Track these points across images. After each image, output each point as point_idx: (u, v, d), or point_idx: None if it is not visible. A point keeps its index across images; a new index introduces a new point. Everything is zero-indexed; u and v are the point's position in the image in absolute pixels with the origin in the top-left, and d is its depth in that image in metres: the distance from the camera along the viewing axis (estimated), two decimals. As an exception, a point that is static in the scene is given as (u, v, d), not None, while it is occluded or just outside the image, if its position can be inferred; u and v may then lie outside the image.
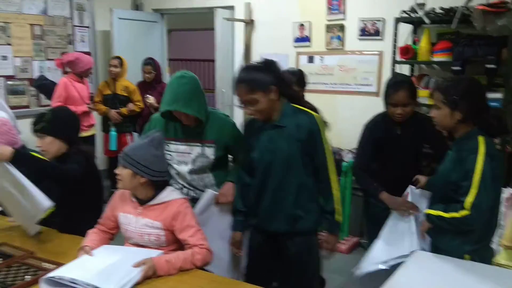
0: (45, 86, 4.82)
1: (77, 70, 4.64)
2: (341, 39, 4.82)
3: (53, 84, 4.72)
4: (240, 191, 2.36)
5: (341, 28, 4.80)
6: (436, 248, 2.12)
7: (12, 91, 5.03)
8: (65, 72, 4.79)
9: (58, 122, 2.40)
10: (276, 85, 2.12)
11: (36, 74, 5.14)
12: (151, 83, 5.09)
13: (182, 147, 2.45)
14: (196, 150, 2.43)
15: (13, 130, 2.61)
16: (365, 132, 2.82)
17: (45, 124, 2.37)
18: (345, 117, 4.70)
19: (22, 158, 2.18)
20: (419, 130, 2.67)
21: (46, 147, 2.39)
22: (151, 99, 4.82)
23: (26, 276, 1.88)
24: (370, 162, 2.75)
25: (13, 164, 2.16)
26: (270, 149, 2.18)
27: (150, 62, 5.09)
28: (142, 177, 2.04)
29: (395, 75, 3.32)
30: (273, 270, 2.34)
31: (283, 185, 2.18)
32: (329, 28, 4.87)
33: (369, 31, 4.65)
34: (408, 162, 2.75)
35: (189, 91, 2.32)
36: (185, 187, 2.49)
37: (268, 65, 2.17)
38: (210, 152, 2.43)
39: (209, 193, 2.42)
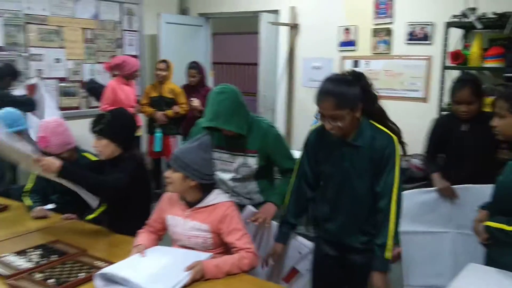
0: (94, 89, 4.99)
1: (124, 72, 4.76)
2: (388, 43, 4.74)
3: (102, 87, 4.87)
4: (295, 203, 2.26)
5: (388, 32, 4.72)
6: (493, 261, 2.04)
7: (64, 93, 5.24)
8: (113, 75, 4.93)
9: (116, 127, 2.44)
10: (362, 102, 1.96)
11: (86, 77, 5.33)
12: (196, 86, 5.15)
13: (225, 156, 2.48)
14: (238, 159, 2.46)
15: (68, 131, 2.71)
16: (431, 125, 3.09)
17: (103, 127, 2.43)
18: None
19: (68, 173, 2.26)
20: (487, 127, 2.65)
21: (101, 148, 2.46)
22: (196, 102, 4.89)
23: (79, 274, 1.95)
24: (435, 153, 3.06)
25: (58, 177, 2.25)
26: (343, 167, 2.05)
27: (194, 66, 5.17)
28: (192, 180, 2.07)
29: (464, 73, 3.40)
30: (341, 282, 2.27)
31: (357, 204, 2.06)
32: (375, 32, 4.81)
33: (418, 36, 4.56)
34: (477, 161, 2.78)
35: (229, 107, 2.31)
36: (227, 193, 2.50)
37: (358, 78, 1.99)
38: (252, 161, 2.45)
39: (248, 210, 2.43)
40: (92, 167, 2.62)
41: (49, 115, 4.42)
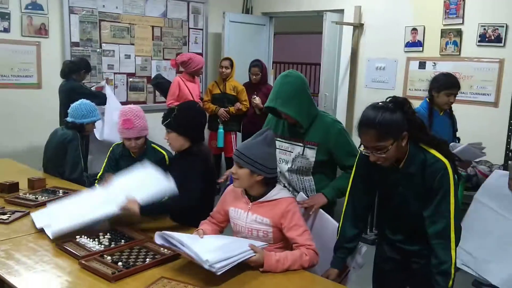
0: (161, 85, 5.17)
1: (190, 69, 4.91)
2: (457, 45, 4.57)
3: (168, 82, 5.05)
4: (350, 227, 2.16)
5: (458, 33, 4.55)
6: None
7: (132, 87, 5.47)
8: (179, 72, 5.09)
9: (183, 121, 2.52)
10: (408, 131, 1.87)
11: (153, 73, 5.54)
12: (257, 84, 5.22)
13: (285, 145, 2.52)
14: (297, 149, 2.47)
15: (145, 117, 2.86)
16: None
17: (171, 121, 2.52)
18: (458, 127, 4.46)
19: (147, 211, 2.37)
20: None
21: (171, 141, 2.56)
22: (257, 100, 4.94)
23: (146, 259, 2.04)
24: None
25: (140, 215, 2.36)
26: (399, 191, 2.00)
27: (257, 64, 5.23)
28: (258, 175, 2.10)
29: None
30: (402, 284, 2.24)
31: (417, 222, 1.98)
32: (444, 33, 4.65)
33: (490, 37, 4.36)
34: None
35: (290, 91, 2.35)
36: (284, 186, 2.52)
37: (401, 107, 1.87)
38: (311, 153, 2.44)
39: (299, 196, 2.44)
40: (162, 162, 2.75)
41: (112, 114, 4.66)
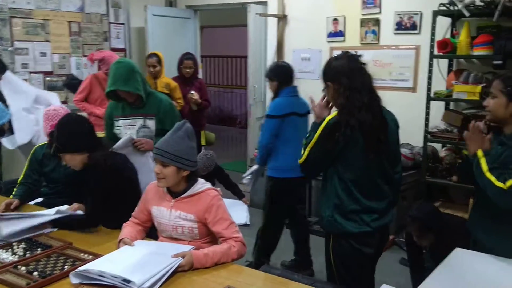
0: (73, 85, 4.78)
1: (105, 70, 4.28)
2: (376, 34, 4.73)
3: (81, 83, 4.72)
4: None
5: (376, 22, 4.71)
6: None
7: (51, 87, 5.16)
8: (99, 68, 4.76)
9: (65, 140, 2.38)
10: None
11: (73, 71, 5.26)
12: (190, 78, 4.82)
13: (127, 121, 2.90)
14: (139, 122, 2.89)
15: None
16: None
17: (57, 145, 2.40)
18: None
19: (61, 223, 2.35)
20: None
21: (69, 163, 2.43)
22: (196, 95, 4.63)
23: (64, 267, 1.92)
24: None
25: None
26: None
27: (191, 57, 4.85)
28: (185, 171, 2.05)
29: None
30: None
31: None
32: (363, 22, 4.79)
33: (406, 25, 4.55)
34: None
35: (126, 73, 2.75)
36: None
37: (343, 58, 2.24)
38: (151, 123, 2.88)
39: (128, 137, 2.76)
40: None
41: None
